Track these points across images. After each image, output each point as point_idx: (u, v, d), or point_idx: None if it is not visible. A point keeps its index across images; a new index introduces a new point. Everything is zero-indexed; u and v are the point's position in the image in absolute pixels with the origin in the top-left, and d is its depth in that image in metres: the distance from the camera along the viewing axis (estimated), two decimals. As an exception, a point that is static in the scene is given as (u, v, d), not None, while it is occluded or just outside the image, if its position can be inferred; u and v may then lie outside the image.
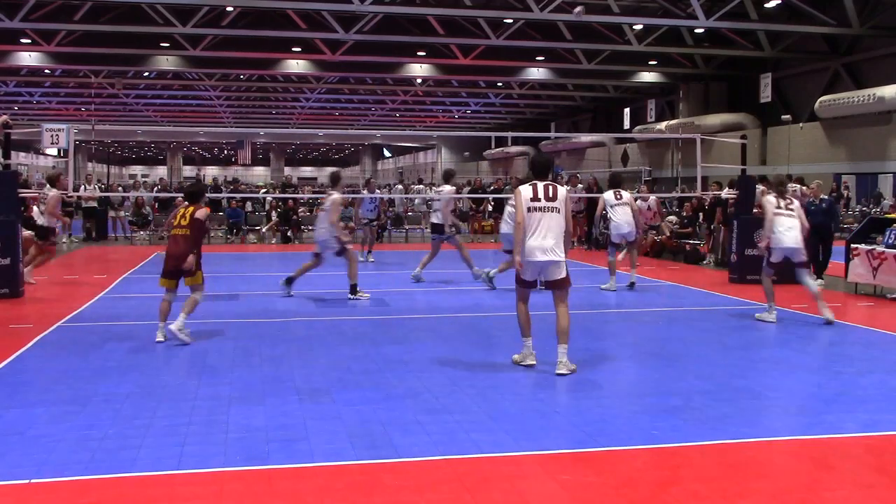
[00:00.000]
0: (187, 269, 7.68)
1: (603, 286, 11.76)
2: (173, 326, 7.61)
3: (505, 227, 11.22)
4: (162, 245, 19.66)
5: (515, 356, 6.83)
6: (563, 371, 6.43)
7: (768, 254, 9.19)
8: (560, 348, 6.53)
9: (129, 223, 21.44)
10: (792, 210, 9.05)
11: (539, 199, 6.58)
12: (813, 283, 9.22)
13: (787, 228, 8.95)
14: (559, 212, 6.60)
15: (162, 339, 7.72)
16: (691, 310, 10.15)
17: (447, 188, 12.64)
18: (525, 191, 6.67)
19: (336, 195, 10.56)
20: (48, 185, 12.24)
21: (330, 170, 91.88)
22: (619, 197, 11.89)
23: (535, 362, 6.67)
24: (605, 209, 11.97)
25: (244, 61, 31.10)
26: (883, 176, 25.88)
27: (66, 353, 7.24)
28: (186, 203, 7.97)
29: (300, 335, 8.14)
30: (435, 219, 12.53)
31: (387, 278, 12.66)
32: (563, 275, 6.61)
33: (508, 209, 10.96)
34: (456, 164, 60.07)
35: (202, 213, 7.81)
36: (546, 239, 6.54)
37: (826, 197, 12.57)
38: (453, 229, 12.40)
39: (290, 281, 10.71)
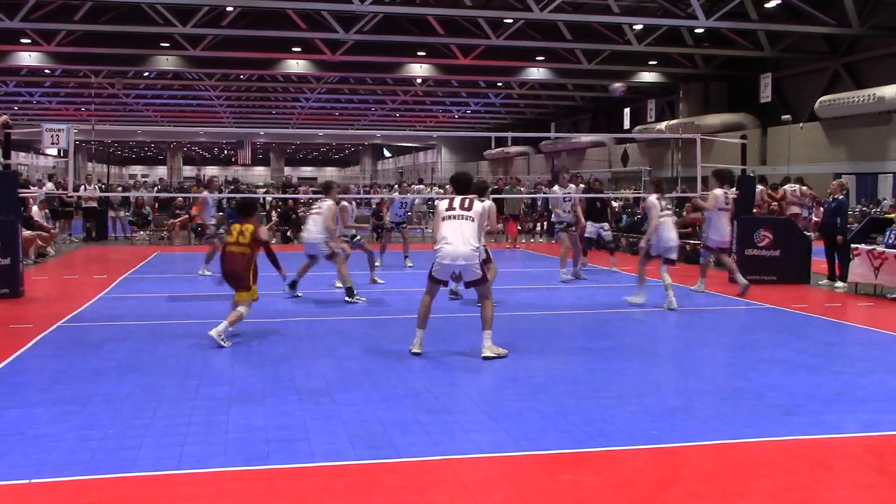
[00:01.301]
0: (242, 285, 7.80)
1: (693, 288, 11.43)
2: (213, 332, 7.53)
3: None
4: (161, 245, 19.73)
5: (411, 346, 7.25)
6: (489, 354, 7.01)
7: (647, 247, 10.28)
8: (484, 333, 7.11)
9: (129, 223, 21.45)
10: (670, 210, 10.22)
11: (454, 209, 7.26)
12: (668, 276, 10.02)
13: (669, 228, 10.06)
14: (472, 220, 7.19)
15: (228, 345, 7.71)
16: (691, 310, 10.14)
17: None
18: (442, 204, 7.47)
19: (330, 201, 10.64)
20: (200, 186, 12.80)
21: (330, 170, 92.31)
22: (727, 201, 11.15)
23: (420, 351, 7.14)
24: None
25: (244, 61, 31.10)
26: (883, 176, 25.88)
27: (66, 353, 7.23)
28: (241, 218, 8.15)
29: (300, 335, 8.15)
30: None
31: (387, 278, 12.65)
32: (480, 275, 7.21)
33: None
34: (456, 164, 60.10)
35: (264, 232, 8.14)
36: (458, 245, 7.08)
37: (840, 197, 12.52)
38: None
39: (293, 285, 10.75)
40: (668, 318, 9.50)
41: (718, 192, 11.18)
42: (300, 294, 10.81)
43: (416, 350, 7.18)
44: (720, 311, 10.14)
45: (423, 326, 7.28)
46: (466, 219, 7.17)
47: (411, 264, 14.76)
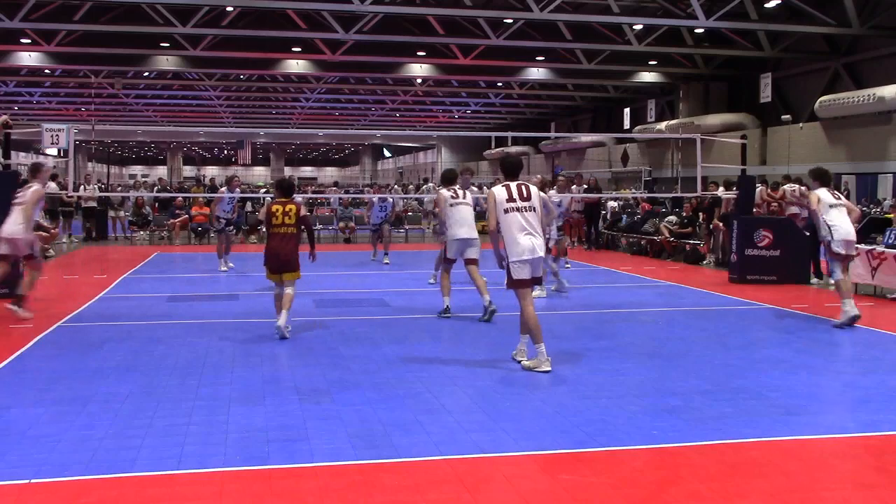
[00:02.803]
0: (293, 266, 8.05)
1: (837, 322, 8.93)
2: (280, 323, 7.85)
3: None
4: (162, 245, 19.73)
5: (527, 362, 6.75)
6: (544, 367, 6.59)
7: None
8: (525, 338, 6.93)
9: (130, 223, 21.44)
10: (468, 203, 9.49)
11: (515, 200, 6.73)
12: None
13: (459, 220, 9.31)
14: (535, 210, 6.80)
15: (281, 326, 7.90)
16: (691, 310, 10.14)
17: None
18: (500, 192, 6.77)
19: (37, 186, 9.18)
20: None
21: (330, 170, 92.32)
22: (837, 197, 9.35)
23: (550, 368, 6.55)
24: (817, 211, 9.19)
25: (244, 61, 31.09)
26: (883, 176, 25.89)
27: (66, 353, 7.23)
28: (282, 199, 8.13)
29: (300, 335, 8.14)
30: None
31: (386, 278, 12.65)
32: (541, 272, 6.96)
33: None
34: (456, 164, 60.11)
35: (305, 210, 8.31)
36: (534, 237, 6.71)
37: None
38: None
39: (17, 300, 9.02)
40: (667, 319, 9.50)
41: (823, 191, 9.31)
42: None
43: (545, 368, 6.54)
44: (720, 311, 10.13)
45: (542, 339, 6.66)
46: (531, 210, 6.76)
47: (388, 261, 15.06)
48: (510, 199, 6.72)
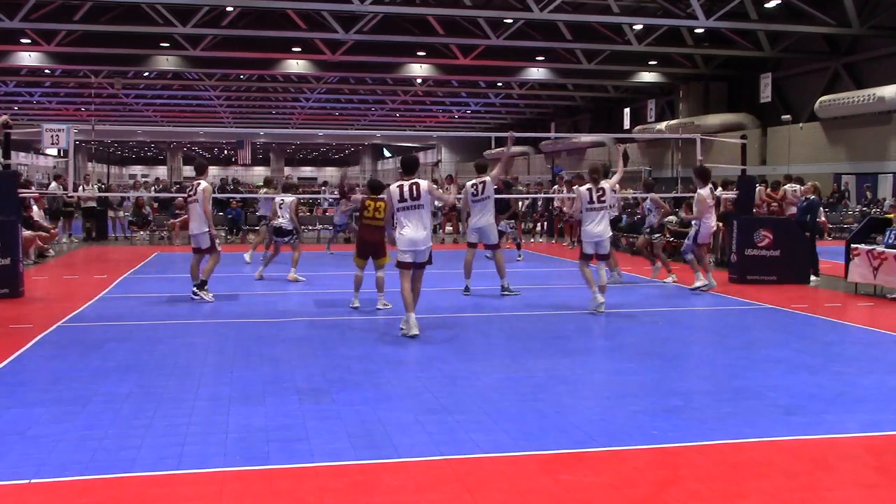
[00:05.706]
0: (381, 253, 9.44)
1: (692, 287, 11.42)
2: (379, 305, 9.51)
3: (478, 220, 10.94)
4: (161, 245, 19.73)
5: (402, 326, 8.06)
6: (412, 332, 7.85)
7: (581, 244, 10.12)
8: (411, 314, 8.03)
9: (129, 223, 21.43)
10: (603, 202, 9.66)
11: (406, 200, 8.01)
12: (605, 275, 9.89)
13: (595, 222, 9.62)
14: (423, 207, 8.06)
15: (358, 306, 9.59)
16: (691, 310, 10.14)
17: (290, 198, 12.80)
18: (394, 191, 8.08)
19: (205, 184, 10.37)
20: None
21: (330, 170, 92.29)
22: (714, 198, 11.70)
23: (418, 332, 7.85)
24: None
25: (244, 61, 31.10)
26: (883, 176, 25.89)
27: (66, 353, 7.23)
28: (373, 196, 9.42)
29: (300, 335, 8.14)
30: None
31: (386, 279, 12.62)
32: (428, 257, 8.16)
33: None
34: (456, 164, 60.09)
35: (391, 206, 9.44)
36: (418, 231, 7.98)
37: (812, 197, 12.98)
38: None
39: (203, 285, 10.30)
40: (668, 319, 9.49)
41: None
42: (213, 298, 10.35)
43: (414, 332, 7.88)
44: (720, 311, 10.13)
45: (412, 310, 8.09)
46: (419, 207, 8.03)
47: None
48: (402, 199, 7.98)
